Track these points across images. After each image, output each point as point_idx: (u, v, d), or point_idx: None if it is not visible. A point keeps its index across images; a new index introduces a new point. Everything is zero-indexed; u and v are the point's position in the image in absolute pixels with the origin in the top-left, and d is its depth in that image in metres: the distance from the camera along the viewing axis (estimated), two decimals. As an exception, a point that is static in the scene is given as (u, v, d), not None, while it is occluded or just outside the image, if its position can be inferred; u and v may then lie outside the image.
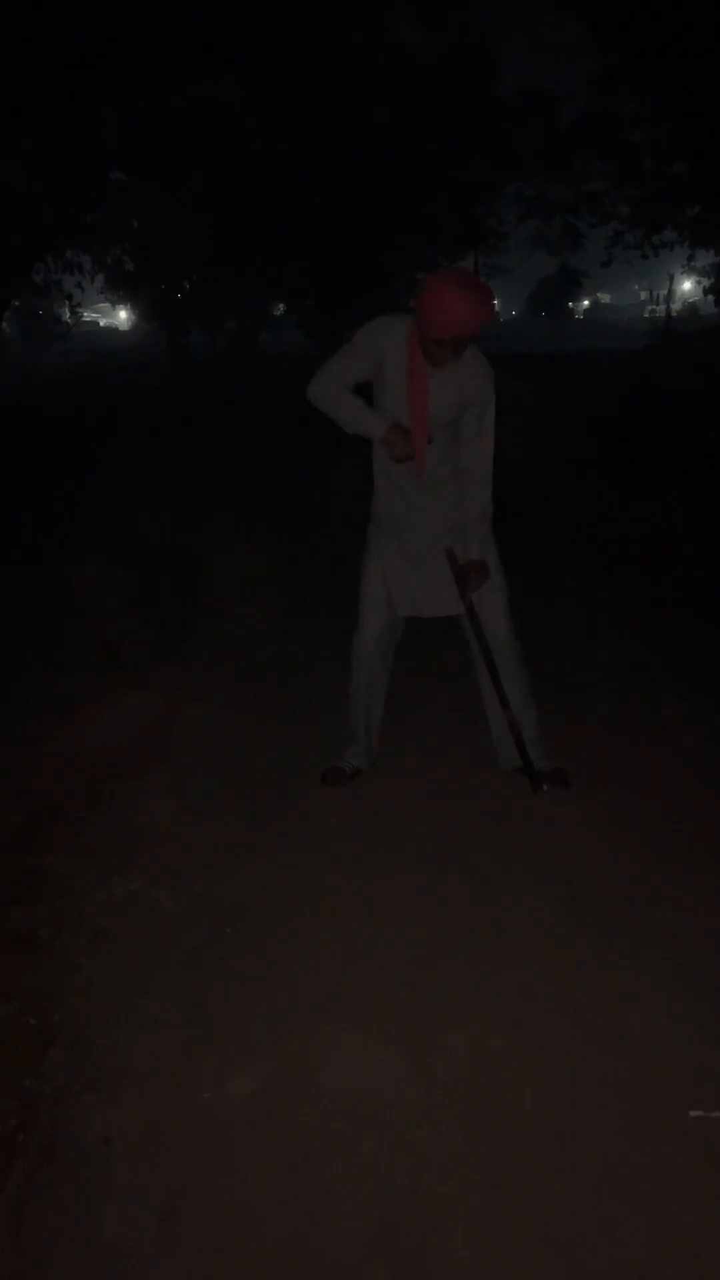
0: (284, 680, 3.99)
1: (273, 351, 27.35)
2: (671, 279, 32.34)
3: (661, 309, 34.49)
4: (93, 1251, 1.55)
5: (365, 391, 2.72)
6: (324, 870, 2.61)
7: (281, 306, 28.72)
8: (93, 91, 12.69)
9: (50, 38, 11.58)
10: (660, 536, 6.37)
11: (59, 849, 2.74)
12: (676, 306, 33.46)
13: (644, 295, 64.25)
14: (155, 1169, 1.69)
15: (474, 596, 2.85)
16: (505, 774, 3.09)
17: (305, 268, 22.08)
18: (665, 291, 33.41)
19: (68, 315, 25.79)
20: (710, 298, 24.21)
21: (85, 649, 4.33)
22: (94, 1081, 1.88)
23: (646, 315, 50.00)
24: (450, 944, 2.28)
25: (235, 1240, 1.56)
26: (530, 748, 2.97)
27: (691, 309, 37.19)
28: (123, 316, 53.19)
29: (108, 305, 48.34)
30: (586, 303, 63.26)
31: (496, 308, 2.53)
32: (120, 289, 25.76)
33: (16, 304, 25.15)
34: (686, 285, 38.13)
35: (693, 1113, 1.77)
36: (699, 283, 25.68)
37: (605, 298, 78.49)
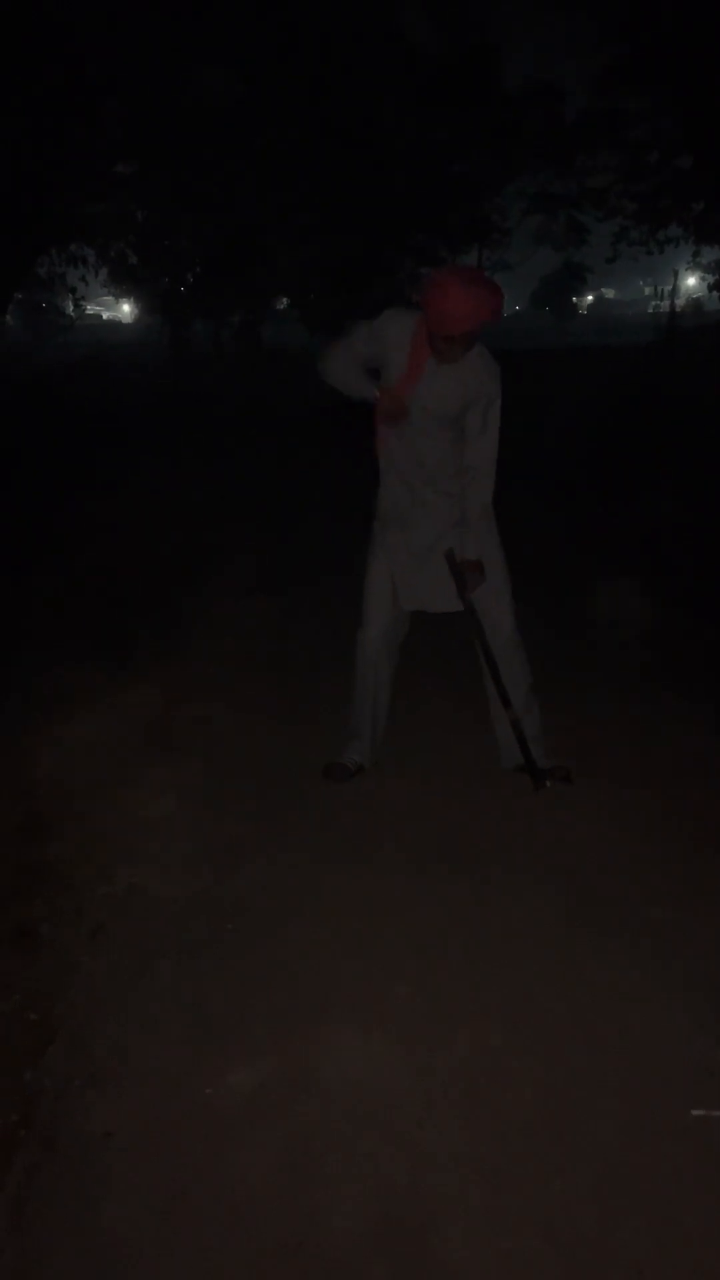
0: (286, 677, 3.99)
1: (275, 346, 27.32)
2: (676, 275, 32.19)
3: (666, 305, 34.37)
4: (92, 1246, 1.56)
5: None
6: (325, 868, 2.61)
7: (284, 300, 28.66)
8: (96, 85, 12.65)
9: (52, 31, 11.54)
10: (664, 534, 6.36)
11: (60, 844, 2.74)
12: (681, 302, 33.32)
13: (648, 291, 64.11)
14: (156, 1164, 1.69)
15: (476, 595, 2.85)
16: (507, 773, 3.09)
17: (308, 262, 22.03)
18: (670, 287, 33.28)
19: (71, 308, 25.79)
20: (715, 294, 24.12)
21: (87, 644, 4.33)
22: (95, 1077, 1.89)
23: (651, 311, 49.84)
24: (451, 942, 2.28)
25: (235, 1236, 1.56)
26: (532, 745, 2.97)
27: (695, 305, 37.03)
28: (126, 310, 53.11)
29: (111, 298, 48.27)
30: (590, 298, 63.11)
31: (503, 302, 2.54)
32: (124, 282, 25.73)
33: (20, 297, 25.13)
34: (691, 281, 37.98)
35: (694, 1112, 1.77)
36: (704, 279, 25.59)
37: (609, 293, 78.25)
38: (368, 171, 18.98)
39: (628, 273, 56.39)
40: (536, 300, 51.08)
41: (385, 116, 18.82)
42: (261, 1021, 2.02)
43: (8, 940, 2.31)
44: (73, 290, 22.11)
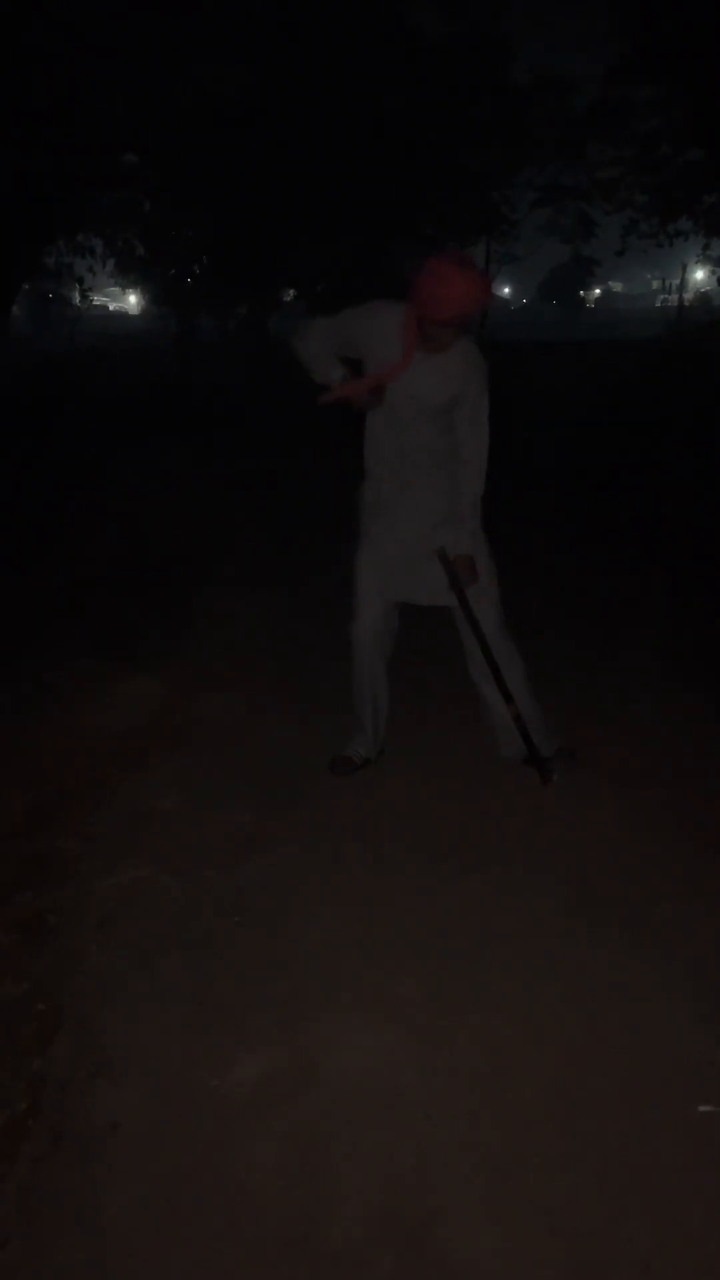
0: (292, 669, 3.99)
1: (282, 338, 27.26)
2: (685, 268, 32.09)
3: (674, 298, 34.26)
4: (98, 1236, 1.56)
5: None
6: (331, 860, 2.61)
7: (291, 292, 28.59)
8: (103, 76, 12.61)
9: (58, 22, 11.50)
10: (669, 530, 6.35)
11: (67, 834, 2.74)
12: (689, 296, 33.22)
13: (656, 285, 63.82)
14: (161, 1155, 1.70)
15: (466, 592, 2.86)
16: (510, 769, 3.09)
17: (316, 253, 21.97)
18: (678, 281, 33.19)
19: (78, 299, 25.76)
20: (724, 288, 24.06)
21: (93, 637, 4.33)
22: (101, 1066, 1.89)
23: (659, 305, 49.69)
24: (456, 936, 2.28)
25: (240, 1227, 1.57)
26: (534, 733, 2.97)
27: (703, 299, 36.91)
28: (132, 301, 53.07)
29: (117, 289, 48.21)
30: (598, 291, 62.88)
31: (491, 290, 2.65)
32: (131, 273, 25.68)
33: (27, 287, 25.11)
34: (699, 275, 37.86)
35: (701, 1108, 1.77)
36: (713, 273, 25.46)
37: (617, 286, 77.96)
38: (376, 162, 18.90)
39: (635, 266, 56.20)
40: (544, 293, 50.93)
41: (394, 107, 18.73)
42: (267, 1014, 2.03)
43: (15, 930, 2.32)
44: (80, 280, 22.07)
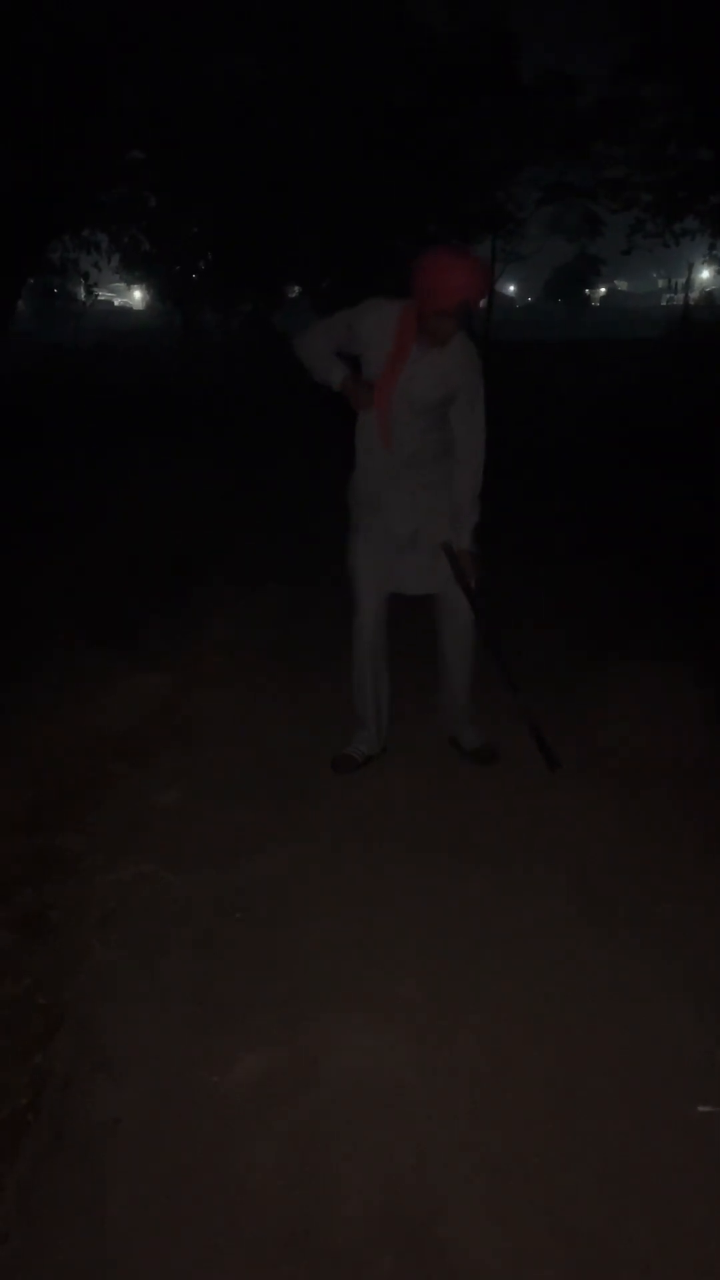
0: (296, 666, 3.99)
1: (287, 335, 27.23)
2: (691, 268, 32.02)
3: (679, 298, 34.22)
4: (99, 1232, 1.57)
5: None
6: (333, 857, 2.62)
7: (296, 289, 28.56)
8: (113, 70, 12.59)
9: (64, 17, 11.49)
10: (674, 530, 6.34)
11: (68, 831, 2.75)
12: (694, 296, 33.16)
13: (662, 284, 63.72)
14: (162, 1152, 1.70)
15: (444, 586, 2.91)
16: (511, 769, 3.10)
17: (320, 250, 21.94)
18: (684, 280, 33.12)
19: (83, 294, 25.74)
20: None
21: (96, 632, 4.33)
22: (103, 1062, 1.90)
23: (664, 304, 49.62)
24: (457, 934, 2.29)
25: (240, 1224, 1.57)
26: (465, 724, 3.15)
27: (709, 298, 36.84)
28: (137, 296, 53.03)
29: (122, 285, 48.16)
30: (604, 290, 62.78)
31: (489, 282, 2.68)
32: (136, 269, 25.64)
33: (31, 282, 25.07)
34: (705, 275, 37.79)
35: (701, 1108, 1.77)
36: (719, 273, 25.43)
37: (623, 285, 77.86)
38: (381, 159, 18.86)
39: (640, 265, 56.01)
40: (550, 291, 50.82)
41: (400, 103, 18.69)
42: (268, 1011, 2.03)
43: (18, 926, 2.32)
44: (85, 276, 22.07)
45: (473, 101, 20.56)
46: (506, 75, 21.61)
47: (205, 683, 3.82)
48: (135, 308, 56.43)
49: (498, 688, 3.06)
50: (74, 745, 3.26)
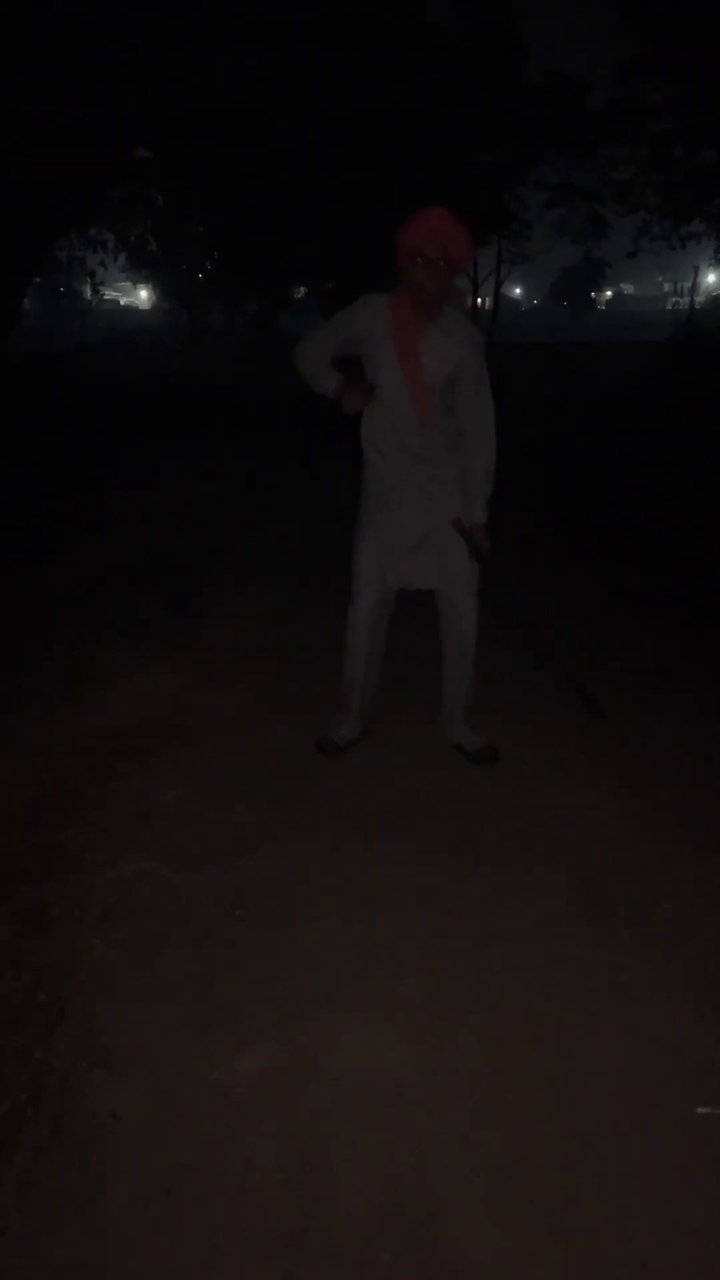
0: (297, 664, 3.99)
1: (293, 334, 27.25)
2: (696, 271, 32.00)
3: (685, 301, 34.20)
4: (97, 1227, 1.57)
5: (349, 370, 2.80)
6: (333, 856, 2.62)
7: (302, 289, 28.58)
8: (117, 68, 12.61)
9: (72, 14, 11.50)
10: (677, 531, 6.33)
11: (69, 827, 2.75)
12: (700, 299, 33.12)
13: (667, 287, 63.67)
14: (161, 1148, 1.70)
15: (446, 584, 2.92)
16: (511, 769, 3.10)
17: (326, 250, 21.94)
18: (690, 284, 33.10)
19: (89, 293, 25.79)
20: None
21: (96, 630, 4.33)
22: (103, 1058, 1.90)
23: (670, 307, 49.59)
24: (457, 934, 2.28)
25: (239, 1221, 1.57)
26: (466, 722, 3.16)
27: (714, 302, 36.81)
28: (143, 295, 53.10)
29: (128, 284, 48.23)
30: (609, 293, 62.75)
31: (471, 244, 2.74)
32: (142, 268, 25.69)
33: (38, 280, 25.12)
34: (711, 278, 37.78)
35: (701, 1108, 1.77)
36: (725, 275, 25.44)
37: (628, 288, 77.85)
38: (388, 158, 18.87)
39: (646, 268, 56.03)
40: (555, 294, 50.83)
41: (407, 103, 18.68)
42: (268, 1008, 2.03)
43: (18, 921, 2.32)
44: (91, 274, 22.11)
45: (479, 101, 20.57)
46: (513, 76, 21.63)
47: (206, 682, 3.82)
48: (141, 307, 56.50)
49: (498, 688, 3.07)
50: (75, 743, 3.26)
